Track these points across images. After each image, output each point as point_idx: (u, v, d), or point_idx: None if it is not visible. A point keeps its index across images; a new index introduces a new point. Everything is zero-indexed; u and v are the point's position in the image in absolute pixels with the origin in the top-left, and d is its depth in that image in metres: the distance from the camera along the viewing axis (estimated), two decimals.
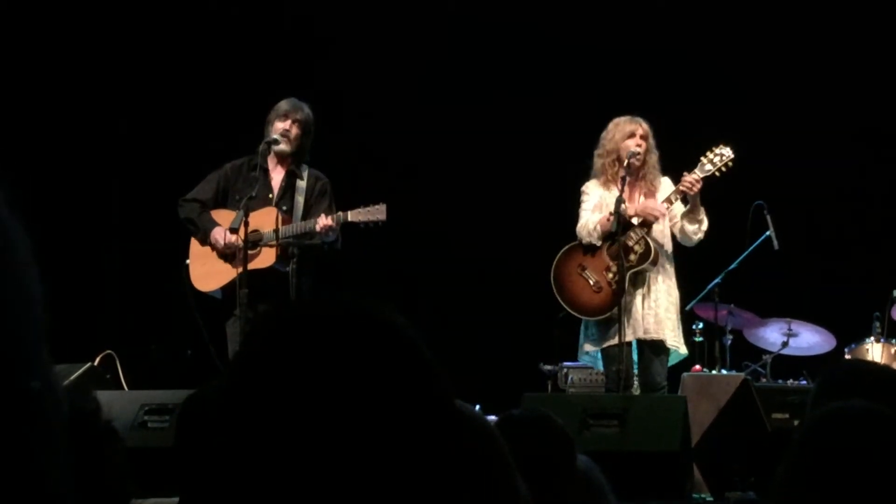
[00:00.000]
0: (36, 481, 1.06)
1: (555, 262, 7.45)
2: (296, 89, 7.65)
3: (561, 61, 9.84)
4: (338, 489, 1.13)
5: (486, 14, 10.05)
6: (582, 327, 7.44)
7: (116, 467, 1.23)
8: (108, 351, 7.59)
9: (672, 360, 7.43)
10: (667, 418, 6.10)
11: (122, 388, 7.43)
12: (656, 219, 7.24)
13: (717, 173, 7.27)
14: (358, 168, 9.05)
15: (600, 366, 7.45)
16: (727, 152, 7.30)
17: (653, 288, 7.27)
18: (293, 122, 7.30)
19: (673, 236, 7.41)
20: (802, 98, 9.54)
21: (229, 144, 7.93)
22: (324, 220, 7.09)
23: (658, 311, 7.25)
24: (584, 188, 7.45)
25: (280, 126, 7.28)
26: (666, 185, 7.35)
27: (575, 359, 7.66)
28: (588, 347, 7.40)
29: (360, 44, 10.11)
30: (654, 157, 7.35)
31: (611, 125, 7.40)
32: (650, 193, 7.34)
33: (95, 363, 7.42)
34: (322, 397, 1.15)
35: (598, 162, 7.39)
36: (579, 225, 7.37)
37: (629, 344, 7.20)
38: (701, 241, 7.38)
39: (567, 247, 7.46)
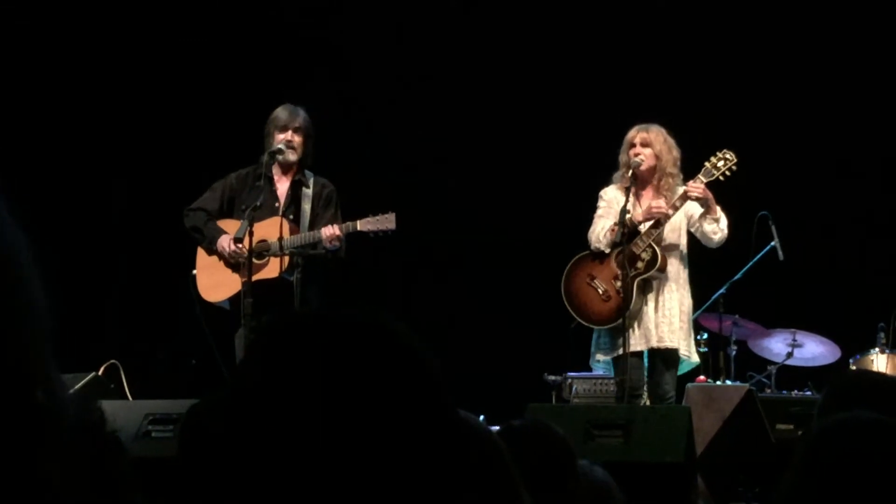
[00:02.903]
0: (40, 491, 1.06)
1: (565, 273, 7.50)
2: (298, 95, 7.64)
3: (575, 69, 9.84)
4: (341, 499, 1.13)
5: (502, 20, 10.06)
6: (594, 336, 7.48)
7: (120, 477, 1.22)
8: (113, 360, 7.58)
9: (683, 369, 7.45)
10: (671, 429, 6.08)
11: (127, 397, 7.42)
12: (666, 217, 7.24)
13: (720, 177, 7.32)
14: (364, 175, 9.04)
15: (612, 373, 7.48)
16: (730, 156, 7.35)
17: (667, 296, 7.30)
18: (293, 130, 7.27)
19: (689, 243, 7.43)
20: (808, 108, 9.54)
21: (234, 151, 7.93)
22: (330, 230, 7.07)
23: (672, 320, 7.28)
24: (601, 192, 7.51)
25: (281, 137, 7.25)
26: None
27: (583, 369, 7.68)
28: (599, 356, 7.45)
29: (366, 47, 10.12)
30: (663, 162, 7.34)
31: None
32: (666, 202, 7.34)
33: (100, 373, 7.41)
34: (325, 407, 1.15)
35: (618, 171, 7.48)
36: (590, 231, 7.43)
37: (640, 354, 7.23)
38: (706, 251, 7.39)
39: (577, 257, 7.51)
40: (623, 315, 7.13)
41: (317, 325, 1.23)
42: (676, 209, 7.28)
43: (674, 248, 7.36)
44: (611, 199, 7.44)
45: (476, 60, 10.01)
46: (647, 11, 9.97)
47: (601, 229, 7.37)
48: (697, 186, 7.24)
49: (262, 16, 10.30)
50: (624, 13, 9.97)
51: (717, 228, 7.29)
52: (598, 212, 7.47)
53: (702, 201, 7.27)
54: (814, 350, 8.63)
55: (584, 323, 7.44)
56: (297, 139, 7.27)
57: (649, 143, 7.34)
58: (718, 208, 7.29)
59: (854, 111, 9.56)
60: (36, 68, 9.67)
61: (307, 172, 7.38)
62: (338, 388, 1.16)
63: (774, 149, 9.37)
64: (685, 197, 7.26)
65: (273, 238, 7.10)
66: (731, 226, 7.38)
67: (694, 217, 7.37)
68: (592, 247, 7.43)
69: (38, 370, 1.09)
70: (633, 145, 7.37)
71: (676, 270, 7.35)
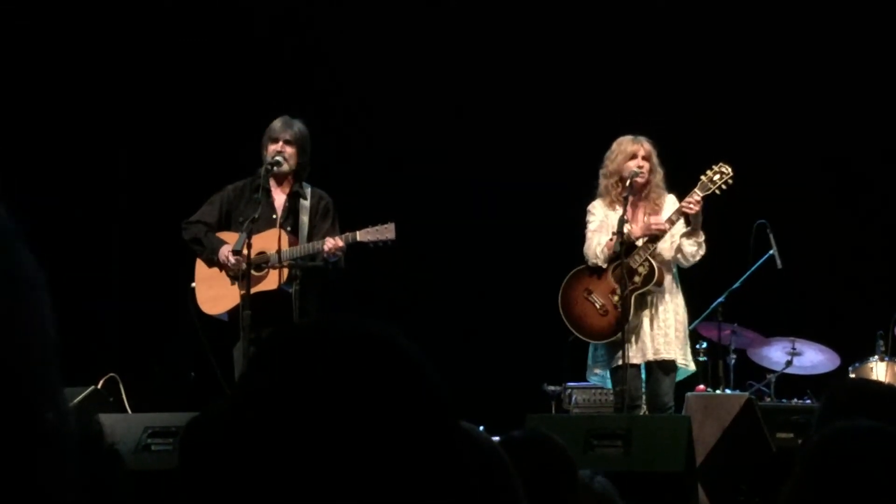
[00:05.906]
0: None
1: (562, 287, 7.47)
2: (296, 105, 7.64)
3: (569, 82, 9.85)
4: None
5: (500, 33, 10.07)
6: (591, 349, 7.46)
7: (120, 491, 1.22)
8: (112, 374, 7.58)
9: (681, 376, 7.44)
10: (671, 438, 6.08)
11: (126, 410, 7.42)
12: (662, 232, 7.24)
13: (717, 191, 7.29)
14: (362, 187, 9.04)
15: (609, 386, 7.46)
16: (726, 170, 7.33)
17: (661, 308, 7.28)
18: (285, 142, 7.26)
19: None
20: (806, 116, 9.55)
21: (231, 163, 7.93)
22: (332, 242, 7.06)
23: (668, 332, 7.26)
24: (589, 208, 7.47)
25: (273, 149, 7.25)
26: (671, 203, 7.35)
27: (581, 380, 7.66)
28: (597, 369, 7.44)
29: (363, 59, 10.14)
30: (657, 176, 7.36)
31: (614, 145, 7.42)
32: (655, 213, 7.34)
33: (99, 386, 7.40)
34: (326, 420, 1.14)
35: (602, 182, 7.42)
36: (585, 246, 7.39)
37: (637, 366, 7.22)
38: (699, 263, 7.38)
39: (573, 271, 7.48)
40: (622, 329, 7.12)
41: (319, 336, 1.23)
42: (673, 223, 7.26)
43: (667, 261, 7.35)
44: (599, 215, 7.41)
45: (472, 70, 10.02)
46: (640, 25, 9.98)
47: (597, 244, 7.34)
48: (696, 201, 7.20)
49: (257, 27, 10.31)
50: (617, 26, 9.99)
51: (698, 251, 7.26)
52: (591, 227, 7.43)
53: (693, 217, 7.23)
54: (813, 358, 8.63)
55: (581, 337, 7.41)
56: (289, 150, 7.26)
57: (649, 157, 7.35)
58: (702, 232, 7.26)
59: (852, 119, 9.57)
60: (36, 78, 9.68)
61: (304, 184, 7.37)
62: (340, 399, 1.16)
63: (772, 157, 9.38)
64: (681, 211, 7.25)
65: (272, 250, 7.10)
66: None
67: (675, 234, 7.34)
68: (590, 262, 7.39)
69: (48, 391, 1.09)
70: (633, 156, 7.33)
71: (669, 282, 7.33)
